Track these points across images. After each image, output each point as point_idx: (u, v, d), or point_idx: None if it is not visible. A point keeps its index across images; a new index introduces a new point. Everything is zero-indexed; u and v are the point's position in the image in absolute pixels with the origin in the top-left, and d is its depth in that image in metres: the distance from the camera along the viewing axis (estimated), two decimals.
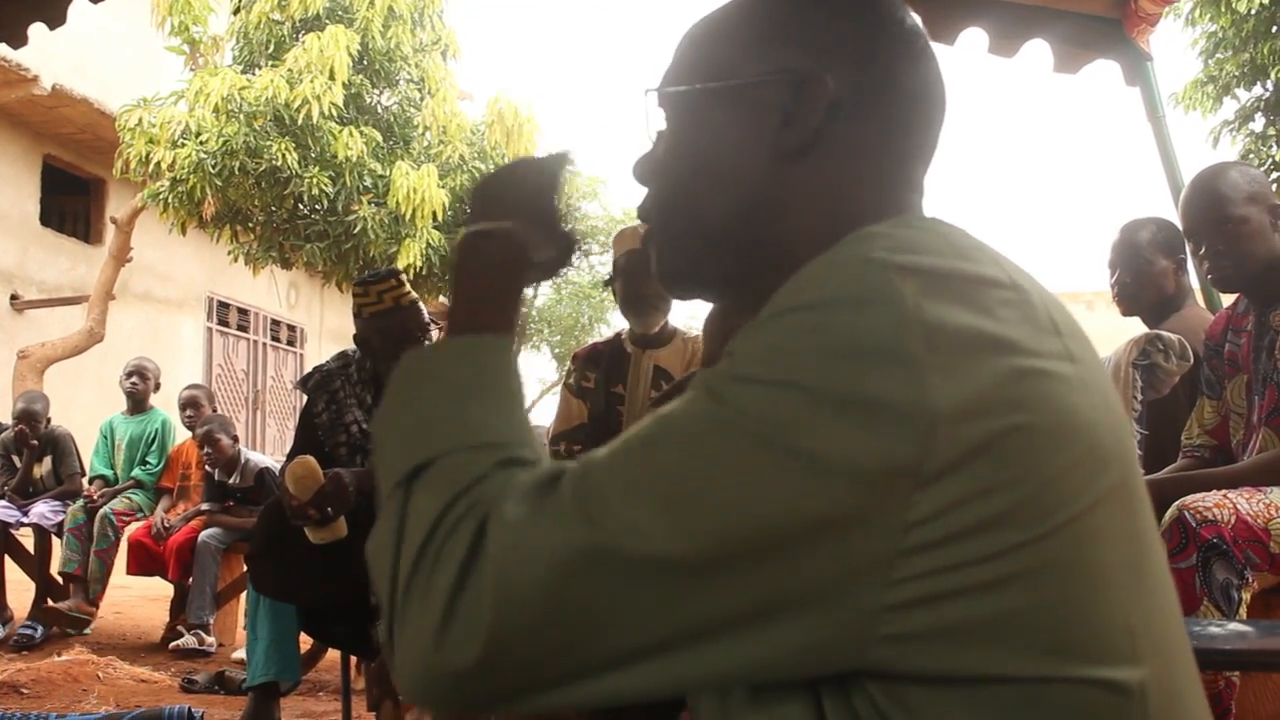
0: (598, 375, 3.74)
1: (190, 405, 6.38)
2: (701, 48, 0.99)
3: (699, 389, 0.73)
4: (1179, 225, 2.95)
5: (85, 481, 6.37)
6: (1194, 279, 3.40)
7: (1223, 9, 10.93)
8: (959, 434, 0.67)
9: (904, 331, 0.68)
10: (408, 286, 3.65)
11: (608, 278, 3.83)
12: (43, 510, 5.97)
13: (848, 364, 0.68)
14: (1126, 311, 3.31)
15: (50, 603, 5.71)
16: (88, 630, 5.85)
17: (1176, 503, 2.37)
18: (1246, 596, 2.30)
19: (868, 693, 0.70)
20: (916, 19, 0.99)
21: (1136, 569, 0.75)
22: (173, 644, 5.50)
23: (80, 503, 5.98)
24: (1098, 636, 0.71)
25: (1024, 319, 0.74)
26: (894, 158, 0.94)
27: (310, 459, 3.35)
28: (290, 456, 3.50)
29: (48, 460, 6.33)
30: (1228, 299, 3.01)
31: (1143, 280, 3.23)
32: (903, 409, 0.66)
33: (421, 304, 3.63)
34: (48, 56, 10.17)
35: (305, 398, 3.85)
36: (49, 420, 6.38)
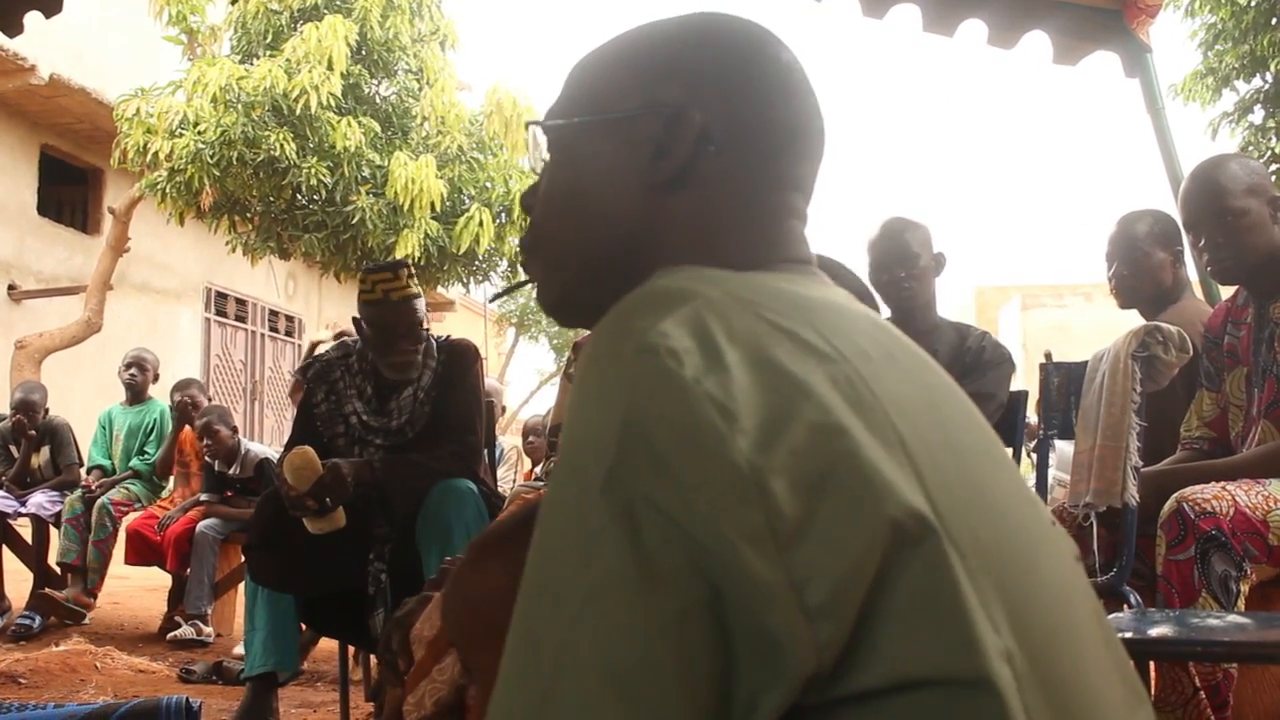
0: None
1: (181, 392, 6.31)
2: (583, 82, 1.03)
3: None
4: (1178, 217, 2.95)
5: (83, 472, 6.37)
6: (1193, 271, 3.40)
7: (1222, 1, 10.93)
8: (795, 475, 0.66)
9: (695, 408, 0.66)
10: (405, 280, 3.63)
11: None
12: (40, 500, 5.97)
13: (650, 479, 0.65)
14: (1124, 304, 3.31)
15: (48, 590, 5.70)
16: (85, 621, 5.85)
17: (1175, 494, 2.37)
18: (1245, 588, 2.30)
19: None
20: (795, 57, 1.01)
21: (994, 564, 0.72)
22: (170, 634, 5.51)
23: (78, 493, 5.99)
24: (958, 632, 0.68)
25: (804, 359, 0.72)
26: (768, 189, 0.96)
27: (308, 449, 3.35)
28: (289, 446, 3.49)
29: (45, 450, 6.33)
30: (1226, 291, 3.02)
31: (1140, 272, 3.23)
32: (725, 483, 0.64)
33: (416, 303, 3.61)
34: (45, 46, 10.14)
35: (297, 387, 3.85)
36: (47, 410, 6.38)
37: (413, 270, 3.77)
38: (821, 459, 0.67)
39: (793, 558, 0.65)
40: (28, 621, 5.63)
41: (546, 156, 1.04)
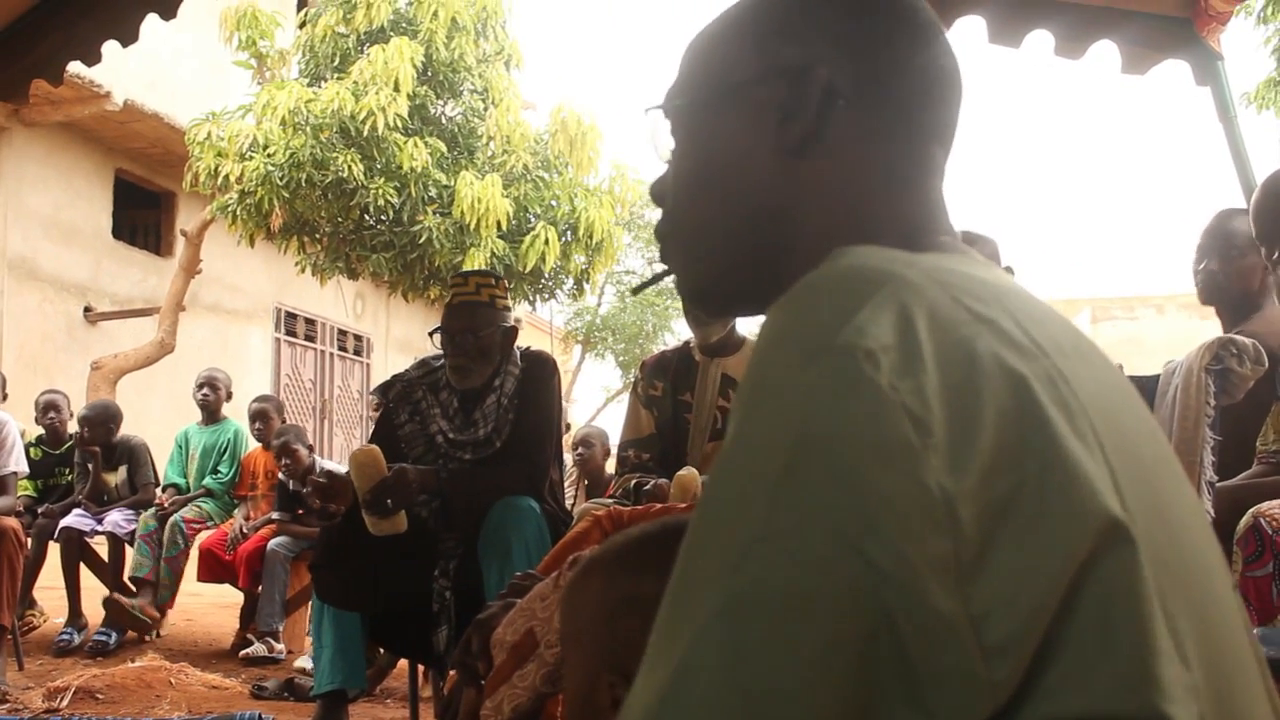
0: (665, 384, 3.73)
1: (259, 418, 6.46)
2: (698, 58, 0.98)
3: (709, 560, 0.64)
4: (1253, 227, 2.90)
5: (158, 490, 6.46)
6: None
7: None
8: (982, 503, 0.61)
9: (889, 420, 0.61)
10: (472, 286, 3.66)
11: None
12: (116, 518, 6.06)
13: (833, 496, 0.60)
14: (1206, 300, 3.22)
15: (116, 595, 5.77)
16: (155, 635, 5.94)
17: (1252, 510, 2.33)
18: None
19: None
20: (926, 6, 0.94)
21: (1182, 596, 0.67)
22: (242, 652, 5.56)
23: (152, 510, 6.07)
24: (1148, 669, 0.63)
25: (1006, 353, 0.67)
26: (907, 143, 0.90)
27: (375, 448, 3.37)
28: None
29: (123, 470, 6.43)
30: None
31: (1232, 272, 3.14)
32: (913, 508, 0.59)
33: (481, 309, 3.61)
34: (119, 73, 10.35)
35: (377, 406, 3.87)
36: (117, 426, 6.46)
37: (497, 281, 3.78)
38: (1015, 470, 0.63)
39: (974, 590, 0.60)
40: (104, 638, 5.72)
41: (670, 143, 0.99)
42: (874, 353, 0.62)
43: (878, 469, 0.60)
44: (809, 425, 0.62)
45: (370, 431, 3.98)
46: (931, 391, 0.62)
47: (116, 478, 6.41)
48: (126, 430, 6.53)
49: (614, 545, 1.20)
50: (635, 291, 1.57)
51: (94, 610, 6.11)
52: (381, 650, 4.67)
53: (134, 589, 5.92)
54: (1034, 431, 0.64)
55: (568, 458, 6.54)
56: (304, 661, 5.24)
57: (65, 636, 5.83)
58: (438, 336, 3.66)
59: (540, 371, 3.70)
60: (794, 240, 0.89)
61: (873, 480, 0.60)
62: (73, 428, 6.73)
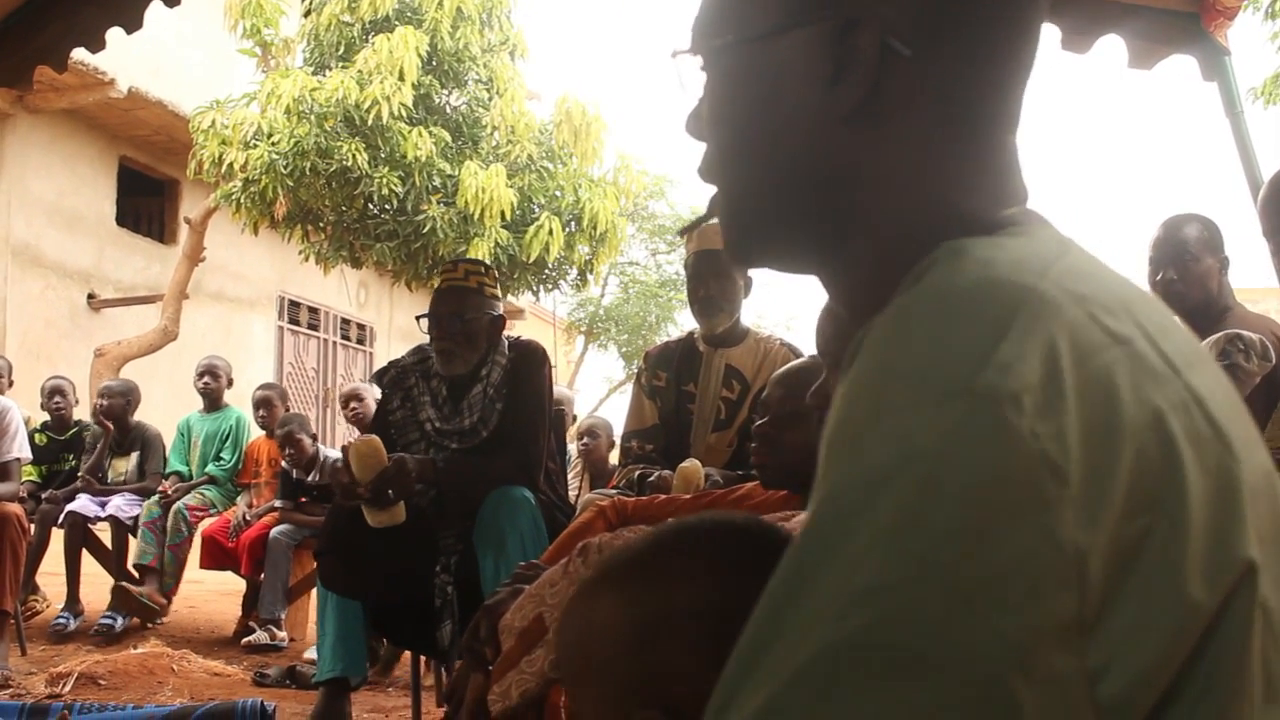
0: (669, 374, 3.73)
1: (263, 405, 6.48)
2: None
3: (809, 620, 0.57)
4: (1258, 222, 2.90)
5: (163, 479, 6.48)
6: (1272, 279, 3.34)
7: None
8: (1110, 553, 0.56)
9: (1027, 471, 0.56)
10: (463, 272, 3.67)
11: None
12: (119, 503, 6.08)
13: (962, 547, 0.55)
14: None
15: (125, 584, 5.79)
16: (159, 621, 5.96)
17: None
18: None
19: None
20: None
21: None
22: (245, 640, 5.57)
23: (155, 497, 6.08)
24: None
25: (1152, 368, 0.63)
26: (981, 98, 0.78)
27: (375, 439, 3.37)
28: None
29: (134, 456, 6.45)
30: None
31: (1190, 279, 3.16)
32: (1045, 565, 0.55)
33: (467, 295, 3.61)
34: (124, 60, 10.34)
35: (379, 393, 3.87)
36: (134, 406, 6.50)
37: (486, 270, 3.77)
38: (1147, 516, 0.58)
39: (1093, 644, 0.55)
40: (110, 621, 5.75)
41: (700, 80, 0.88)
42: (1019, 396, 0.57)
43: (1010, 525, 0.55)
44: (939, 472, 0.56)
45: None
46: (1072, 435, 0.57)
47: (128, 463, 6.42)
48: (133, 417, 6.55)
49: (621, 560, 1.04)
50: (682, 233, 1.51)
51: (92, 596, 6.12)
52: (385, 641, 4.68)
53: (138, 576, 5.93)
54: (1168, 474, 0.59)
55: (572, 448, 6.54)
56: (313, 652, 5.25)
57: (62, 620, 5.85)
58: (425, 321, 3.67)
59: (530, 361, 3.70)
60: (852, 207, 0.80)
61: (1004, 538, 0.55)
62: (78, 414, 6.76)
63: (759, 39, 0.81)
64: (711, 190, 0.90)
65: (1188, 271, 3.15)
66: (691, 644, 0.92)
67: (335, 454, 6.07)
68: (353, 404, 6.29)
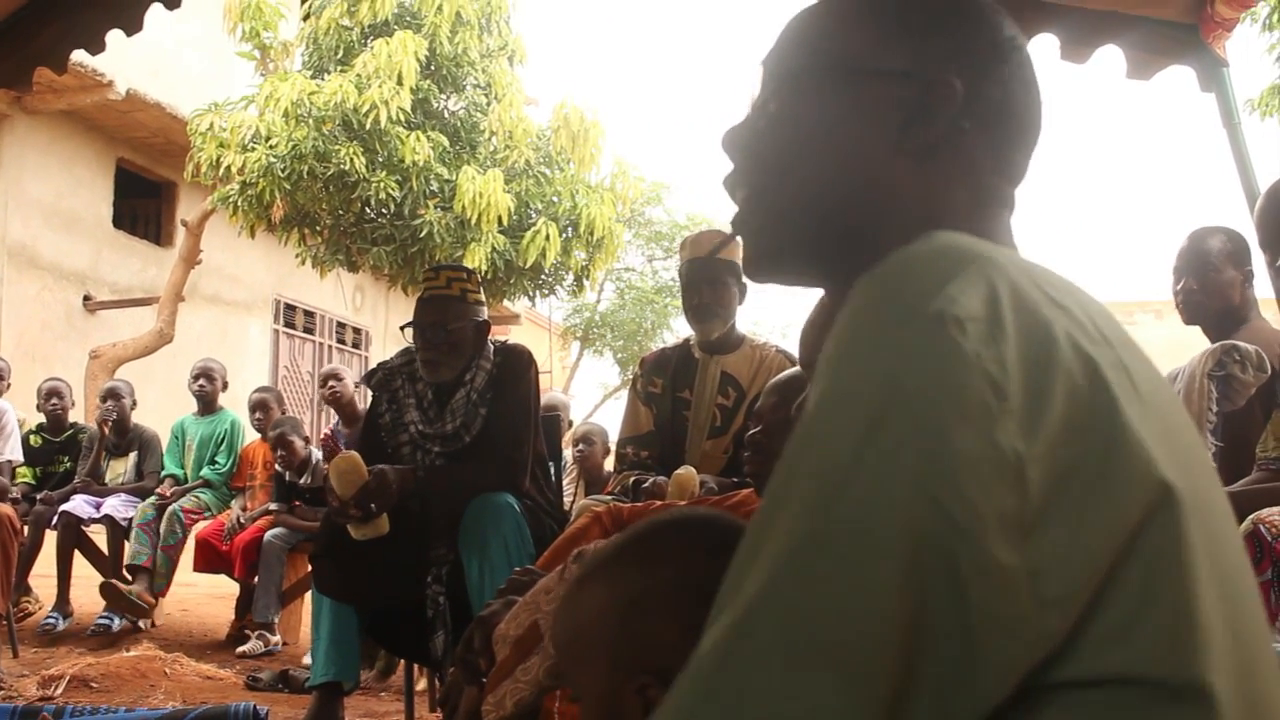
0: (664, 380, 3.73)
1: (259, 408, 6.48)
2: (826, 28, 0.98)
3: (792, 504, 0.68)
4: (1254, 233, 2.90)
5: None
6: (1266, 290, 3.34)
7: None
8: (1046, 468, 0.66)
9: (972, 383, 0.66)
10: (445, 280, 3.65)
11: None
12: (115, 503, 6.07)
13: (917, 447, 0.64)
14: (1189, 320, 3.25)
15: (114, 581, 5.79)
16: (150, 624, 5.96)
17: (1251, 517, 2.33)
18: None
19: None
20: (1028, 44, 0.98)
21: (1216, 574, 0.72)
22: (240, 649, 5.55)
23: (151, 499, 6.08)
24: (1188, 635, 0.68)
25: (1090, 331, 0.73)
26: (995, 173, 0.94)
27: (354, 455, 3.37)
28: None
29: (132, 457, 6.45)
30: None
31: (1211, 289, 3.17)
32: (988, 465, 0.64)
33: (451, 303, 3.59)
34: (122, 62, 10.33)
35: (370, 398, 3.86)
36: (133, 407, 6.51)
37: (468, 275, 3.76)
38: (1081, 440, 0.67)
39: (1033, 546, 0.65)
40: (106, 621, 5.78)
41: (767, 98, 0.99)
42: (962, 321, 0.67)
43: (958, 427, 0.64)
44: (899, 381, 0.66)
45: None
46: (1011, 361, 0.67)
47: (125, 464, 6.43)
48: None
49: (608, 550, 1.16)
50: (712, 253, 1.56)
51: (84, 598, 6.12)
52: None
53: (130, 576, 5.93)
54: (1101, 409, 0.69)
55: (567, 454, 6.54)
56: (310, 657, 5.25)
57: (50, 621, 5.86)
58: (409, 331, 3.66)
59: (515, 365, 3.69)
60: (874, 230, 0.92)
61: (953, 436, 0.64)
62: (73, 416, 6.75)
63: (849, 74, 0.95)
64: (733, 208, 1.02)
65: (1208, 281, 3.16)
66: (675, 615, 1.03)
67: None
68: (331, 383, 6.26)
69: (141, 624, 5.97)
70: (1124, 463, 0.68)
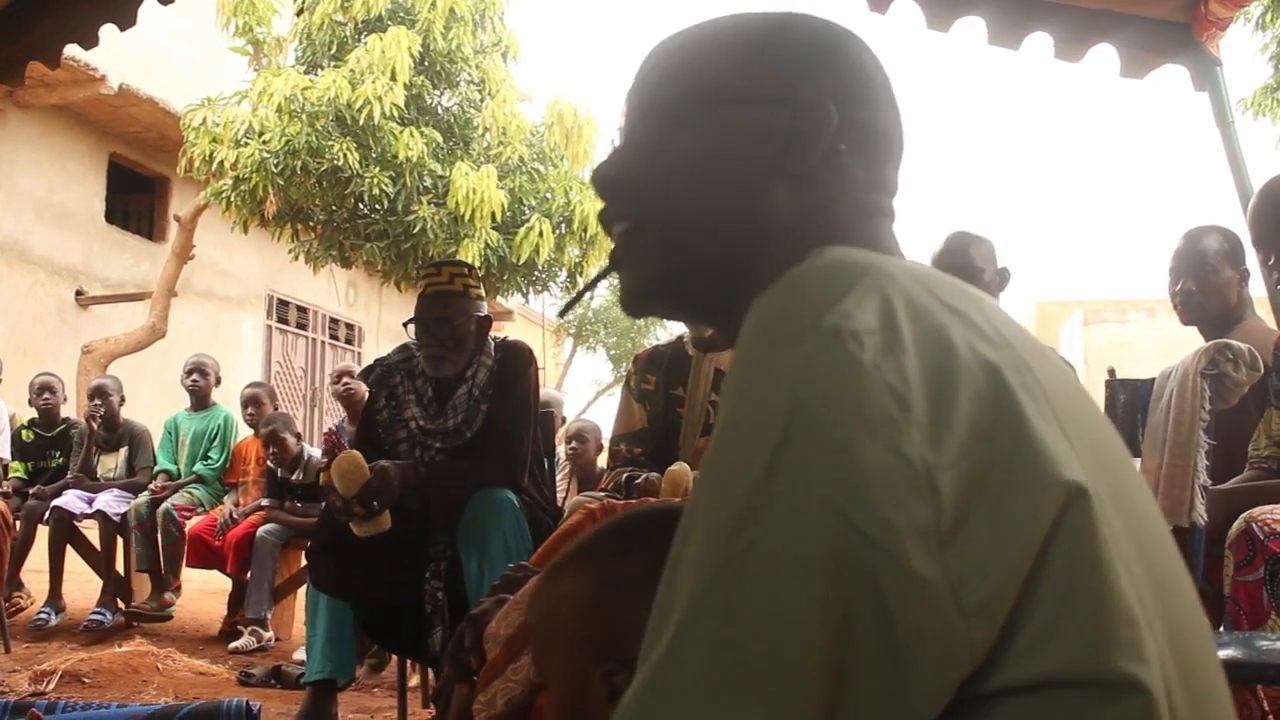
0: (658, 378, 3.72)
1: (252, 403, 6.47)
2: (695, 59, 0.99)
3: (696, 531, 0.68)
4: (1247, 232, 2.91)
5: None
6: (1259, 289, 3.35)
7: None
8: (958, 473, 0.65)
9: (874, 395, 0.65)
10: (446, 276, 3.64)
11: None
12: (108, 499, 6.06)
13: (822, 465, 0.64)
14: (1187, 321, 3.25)
15: (123, 604, 5.83)
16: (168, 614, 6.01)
17: (1244, 514, 2.34)
18: None
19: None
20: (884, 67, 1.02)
21: (1141, 565, 0.72)
22: (232, 645, 5.55)
23: (144, 497, 6.07)
24: (1113, 631, 0.67)
25: (989, 330, 0.74)
26: (872, 189, 0.97)
27: (355, 454, 3.37)
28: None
29: (123, 452, 6.44)
30: None
31: (1208, 290, 3.17)
32: (897, 477, 0.64)
33: (454, 299, 3.58)
34: (115, 56, 10.31)
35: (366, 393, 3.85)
36: (121, 403, 6.50)
37: (468, 270, 3.76)
38: (988, 445, 0.67)
39: (952, 555, 0.64)
40: (99, 617, 5.78)
41: (641, 130, 1.01)
42: (858, 334, 0.67)
43: (863, 441, 0.64)
44: (799, 399, 0.66)
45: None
46: (911, 372, 0.67)
47: (116, 459, 6.42)
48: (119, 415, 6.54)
49: (584, 539, 1.17)
50: (562, 313, 1.55)
51: (77, 593, 6.11)
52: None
53: (123, 574, 5.94)
54: (1005, 412, 0.69)
55: (560, 450, 6.54)
56: (303, 653, 5.25)
57: (42, 616, 5.85)
58: (412, 327, 3.66)
59: (516, 362, 3.69)
60: (756, 258, 0.93)
61: (859, 451, 0.64)
62: (66, 411, 6.74)
63: (726, 102, 0.96)
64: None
65: (1206, 282, 3.15)
66: (644, 602, 1.02)
67: (319, 453, 6.07)
68: (345, 379, 6.26)
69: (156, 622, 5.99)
70: (1031, 464, 0.68)
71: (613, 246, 1.02)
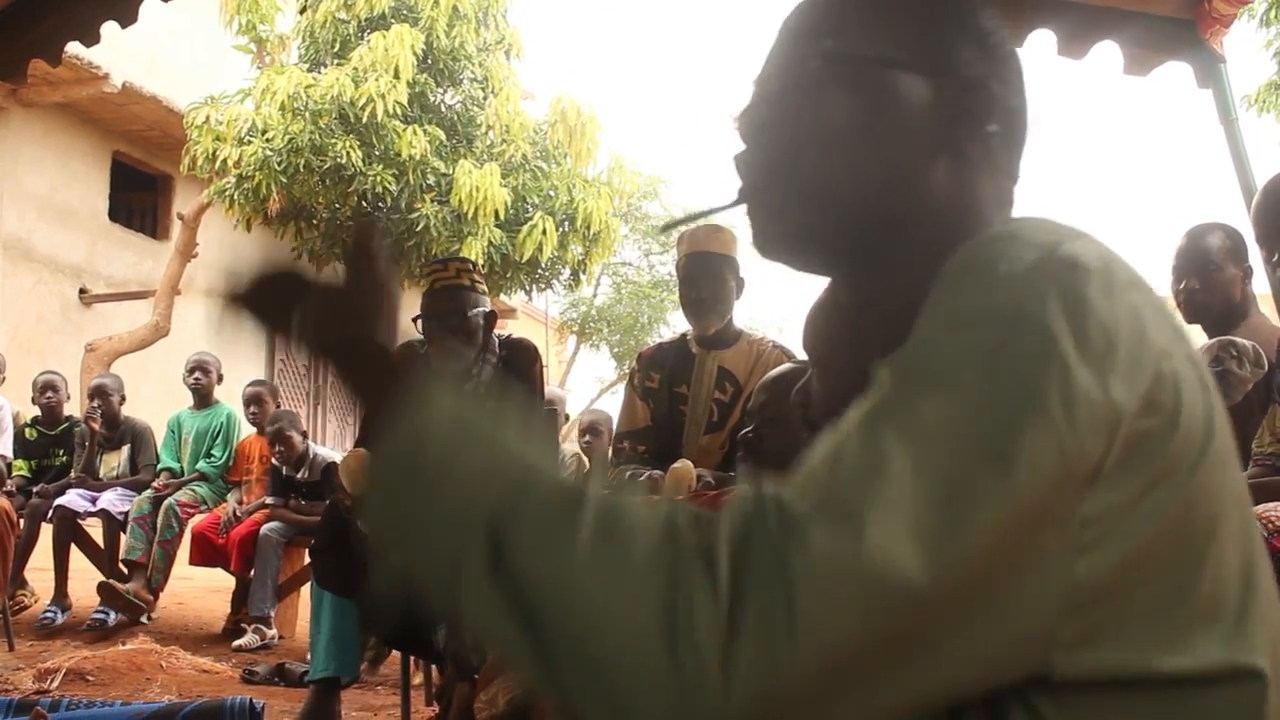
0: (661, 375, 3.72)
1: (254, 401, 6.46)
2: (866, 16, 0.96)
3: (897, 406, 0.69)
4: (1251, 229, 2.90)
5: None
6: (1262, 285, 3.34)
7: None
8: (1131, 431, 0.68)
9: (1094, 326, 0.69)
10: (452, 271, 3.64)
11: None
12: (111, 498, 6.06)
13: (1042, 369, 0.67)
14: (1191, 320, 3.24)
15: (111, 581, 5.78)
16: (147, 618, 5.94)
17: None
18: None
19: (1034, 706, 0.69)
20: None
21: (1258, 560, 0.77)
22: (236, 644, 5.55)
23: (147, 493, 6.07)
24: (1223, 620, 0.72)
25: (1164, 323, 0.75)
26: (1008, 175, 0.97)
27: (364, 452, 3.37)
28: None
29: (125, 450, 6.44)
30: None
31: (1212, 287, 3.15)
32: (1096, 408, 0.66)
33: (461, 293, 3.58)
34: (118, 54, 10.31)
35: None
36: (122, 401, 6.49)
37: (473, 266, 3.76)
38: (1159, 414, 0.70)
39: (1093, 497, 0.67)
40: (102, 616, 5.75)
41: (787, 72, 0.97)
42: (1089, 269, 0.71)
43: (1080, 363, 0.67)
44: (1029, 308, 0.69)
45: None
46: (1121, 317, 0.70)
47: (119, 457, 6.41)
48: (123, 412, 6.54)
49: None
50: (665, 228, 1.52)
51: (81, 592, 6.11)
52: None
53: (126, 572, 5.92)
54: (1172, 394, 0.71)
55: (566, 447, 6.53)
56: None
57: (49, 615, 5.85)
58: (420, 323, 3.65)
59: (522, 359, 3.68)
60: (903, 224, 0.93)
61: (1076, 371, 0.67)
62: (69, 409, 6.74)
63: (900, 66, 0.94)
64: (738, 183, 0.99)
65: (1210, 281, 3.14)
66: None
67: (325, 451, 6.07)
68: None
69: (144, 619, 5.96)
70: (1183, 441, 0.70)
71: (747, 187, 0.99)
